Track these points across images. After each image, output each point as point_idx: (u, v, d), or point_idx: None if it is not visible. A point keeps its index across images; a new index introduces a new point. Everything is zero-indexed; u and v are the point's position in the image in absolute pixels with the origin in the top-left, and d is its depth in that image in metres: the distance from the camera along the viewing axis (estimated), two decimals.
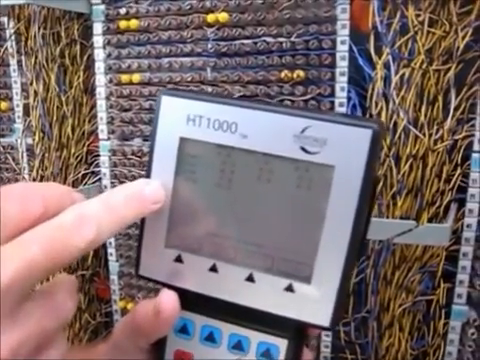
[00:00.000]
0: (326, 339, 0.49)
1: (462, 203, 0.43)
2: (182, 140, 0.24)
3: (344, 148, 0.21)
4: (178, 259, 0.25)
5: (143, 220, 0.25)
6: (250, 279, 0.24)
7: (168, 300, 0.23)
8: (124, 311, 0.57)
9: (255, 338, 0.24)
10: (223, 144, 0.23)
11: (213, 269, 0.24)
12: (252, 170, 0.23)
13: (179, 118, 0.24)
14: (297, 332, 0.24)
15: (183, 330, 0.25)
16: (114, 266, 0.56)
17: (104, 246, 0.57)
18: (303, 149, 0.22)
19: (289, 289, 0.23)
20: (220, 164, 0.23)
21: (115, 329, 0.27)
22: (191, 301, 0.25)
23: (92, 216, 0.20)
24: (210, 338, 0.25)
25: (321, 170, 0.22)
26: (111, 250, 0.56)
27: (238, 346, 0.25)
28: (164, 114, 0.24)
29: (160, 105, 0.24)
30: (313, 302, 0.23)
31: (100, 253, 0.59)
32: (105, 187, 0.55)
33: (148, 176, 0.24)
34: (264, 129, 0.23)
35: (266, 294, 0.23)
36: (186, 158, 0.24)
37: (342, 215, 0.22)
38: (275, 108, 0.23)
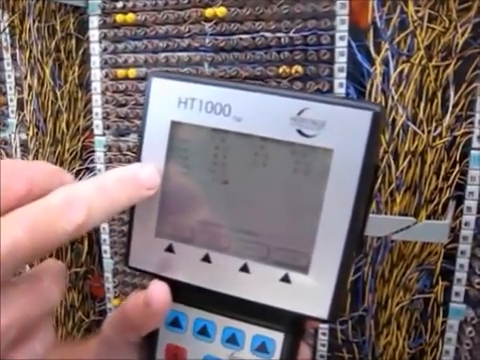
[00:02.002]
0: (323, 338, 0.49)
1: (460, 200, 0.43)
2: (173, 124, 0.23)
3: (343, 131, 0.21)
4: (169, 249, 0.24)
5: (133, 208, 0.24)
6: (244, 269, 0.23)
7: (159, 291, 0.22)
8: None
9: (250, 331, 0.24)
10: (216, 127, 0.22)
11: (206, 259, 0.23)
12: (247, 154, 0.22)
13: (170, 101, 0.23)
14: (294, 325, 0.23)
15: (175, 323, 0.25)
16: (108, 263, 0.55)
17: (98, 243, 0.56)
18: (300, 132, 0.21)
19: (285, 280, 0.22)
20: (213, 148, 0.22)
21: (105, 323, 0.26)
22: (183, 293, 0.24)
23: (82, 198, 0.19)
24: (203, 332, 0.24)
25: (319, 154, 0.21)
26: (105, 247, 0.55)
27: (232, 340, 0.24)
28: (154, 97, 0.23)
29: (150, 87, 0.23)
30: (310, 293, 0.22)
31: (94, 250, 0.59)
32: None
33: (138, 162, 0.23)
34: (259, 111, 0.22)
35: (261, 285, 0.23)
36: (178, 143, 0.23)
37: (341, 201, 0.21)
38: (270, 89, 0.22)
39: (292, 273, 0.22)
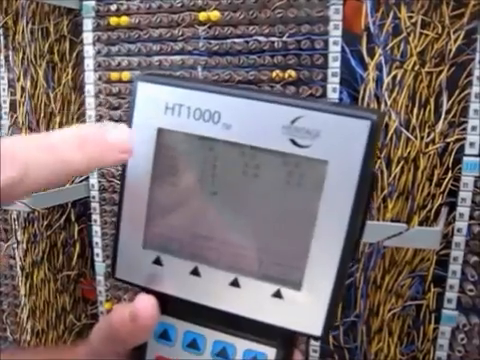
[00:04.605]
0: (315, 343, 0.49)
1: (453, 207, 0.43)
2: (160, 131, 0.22)
3: (339, 141, 0.19)
4: (157, 261, 0.23)
5: (119, 218, 0.23)
6: (235, 284, 0.22)
7: (145, 305, 0.21)
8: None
9: (241, 346, 0.23)
10: (205, 135, 0.21)
11: (195, 273, 0.22)
12: (236, 164, 0.21)
13: (157, 107, 0.22)
14: (286, 340, 0.22)
15: (164, 336, 0.24)
16: (100, 267, 0.55)
17: (90, 246, 0.56)
18: (293, 142, 0.20)
19: (277, 295, 0.21)
20: (201, 158, 0.22)
21: (92, 334, 0.25)
22: (173, 305, 0.23)
23: (19, 153, 0.17)
24: (193, 345, 0.23)
25: (313, 165, 0.20)
26: (98, 250, 0.55)
27: (223, 354, 0.23)
28: (140, 102, 0.22)
29: (136, 92, 0.22)
30: (303, 310, 0.21)
31: (86, 253, 0.58)
32: (92, 186, 0.54)
33: (123, 171, 0.23)
34: (250, 119, 0.21)
35: (252, 300, 0.22)
36: (164, 151, 0.22)
37: (336, 215, 0.20)
38: (262, 96, 0.21)
39: (284, 289, 0.21)
